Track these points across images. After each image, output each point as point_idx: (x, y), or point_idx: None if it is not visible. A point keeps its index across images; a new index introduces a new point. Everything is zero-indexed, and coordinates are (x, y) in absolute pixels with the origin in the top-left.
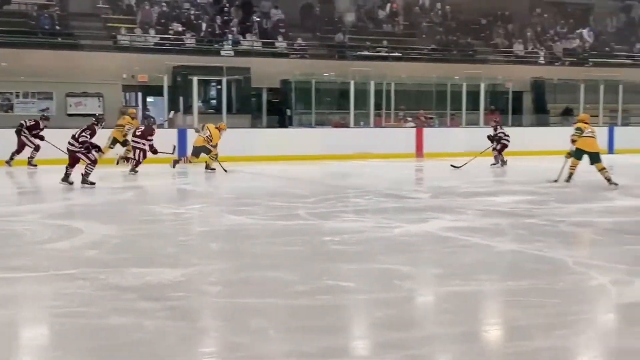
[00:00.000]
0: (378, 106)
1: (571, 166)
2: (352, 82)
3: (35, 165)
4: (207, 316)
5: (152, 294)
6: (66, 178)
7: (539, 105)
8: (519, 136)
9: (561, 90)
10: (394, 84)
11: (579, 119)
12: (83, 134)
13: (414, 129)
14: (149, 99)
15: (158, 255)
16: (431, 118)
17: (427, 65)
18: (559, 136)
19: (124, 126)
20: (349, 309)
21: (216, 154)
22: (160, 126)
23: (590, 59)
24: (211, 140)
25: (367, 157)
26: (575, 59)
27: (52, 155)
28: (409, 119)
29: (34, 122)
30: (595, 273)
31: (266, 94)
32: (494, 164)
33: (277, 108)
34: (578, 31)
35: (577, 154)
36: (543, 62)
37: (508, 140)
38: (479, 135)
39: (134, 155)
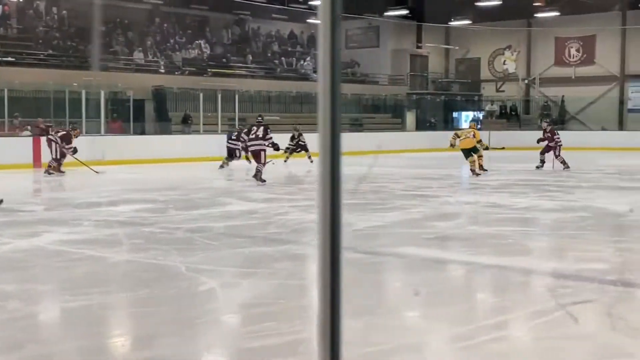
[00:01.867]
0: None
1: (471, 162)
2: None
3: None
4: None
5: None
6: (259, 175)
7: (161, 113)
8: (141, 144)
9: (182, 98)
10: (7, 90)
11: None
12: (267, 134)
13: (31, 138)
14: None
15: None
16: (50, 126)
17: (43, 71)
18: (180, 143)
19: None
20: None
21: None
22: None
23: (209, 69)
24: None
25: None
26: (194, 69)
27: None
28: (27, 127)
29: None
30: (205, 277)
31: None
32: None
33: None
34: (197, 42)
35: (464, 153)
36: (163, 71)
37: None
38: (99, 143)
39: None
